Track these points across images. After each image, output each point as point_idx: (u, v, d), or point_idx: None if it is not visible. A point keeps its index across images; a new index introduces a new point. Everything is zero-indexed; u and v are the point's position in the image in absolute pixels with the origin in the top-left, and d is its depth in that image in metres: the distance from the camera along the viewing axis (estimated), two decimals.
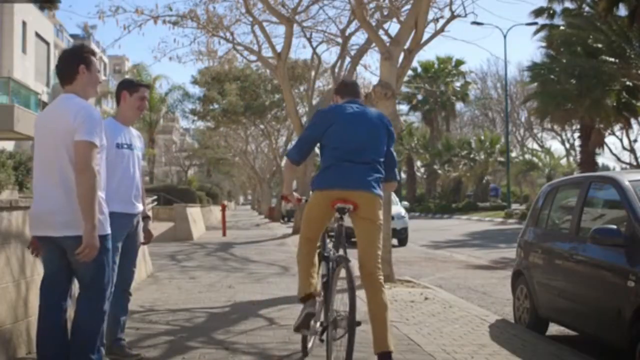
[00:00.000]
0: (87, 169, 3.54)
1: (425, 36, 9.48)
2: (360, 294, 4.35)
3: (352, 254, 4.29)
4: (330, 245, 4.65)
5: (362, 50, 16.67)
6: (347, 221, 4.44)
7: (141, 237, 4.75)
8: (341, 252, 4.41)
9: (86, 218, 3.52)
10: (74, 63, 3.77)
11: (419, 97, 46.98)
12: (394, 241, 13.95)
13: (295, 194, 4.85)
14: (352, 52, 17.14)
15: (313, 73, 21.24)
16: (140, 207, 4.60)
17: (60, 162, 3.62)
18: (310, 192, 4.53)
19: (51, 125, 3.69)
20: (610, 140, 49.00)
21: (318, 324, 4.44)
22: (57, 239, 3.63)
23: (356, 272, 4.26)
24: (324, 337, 4.40)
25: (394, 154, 4.67)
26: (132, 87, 4.60)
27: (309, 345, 4.83)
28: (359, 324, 4.11)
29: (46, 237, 3.68)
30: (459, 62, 50.92)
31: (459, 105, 53.93)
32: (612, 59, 24.83)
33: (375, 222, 4.30)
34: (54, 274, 3.75)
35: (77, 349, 3.66)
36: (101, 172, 3.72)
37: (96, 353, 3.67)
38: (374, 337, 4.22)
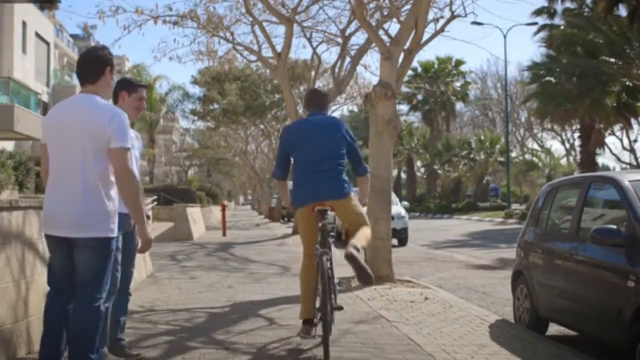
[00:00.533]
0: (128, 173, 3.65)
1: (425, 36, 9.48)
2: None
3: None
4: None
5: (362, 50, 16.63)
6: None
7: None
8: (336, 248, 4.80)
9: (137, 219, 3.74)
10: (102, 63, 3.82)
11: (419, 97, 46.93)
12: (394, 241, 13.95)
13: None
14: (352, 52, 17.09)
15: (313, 73, 21.20)
16: None
17: (85, 163, 3.63)
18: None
19: (77, 125, 3.66)
20: (610, 140, 48.99)
21: (318, 314, 4.82)
22: (72, 239, 3.65)
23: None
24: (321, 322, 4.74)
25: (358, 150, 5.32)
26: (131, 87, 4.58)
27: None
28: (340, 308, 4.85)
29: (61, 237, 3.68)
30: (459, 62, 50.93)
31: (459, 105, 53.98)
32: (612, 59, 24.83)
33: (354, 212, 5.07)
34: (64, 274, 3.75)
35: (75, 349, 3.64)
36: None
37: (95, 353, 3.66)
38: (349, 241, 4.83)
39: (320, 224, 4.94)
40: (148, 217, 4.68)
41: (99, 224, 3.62)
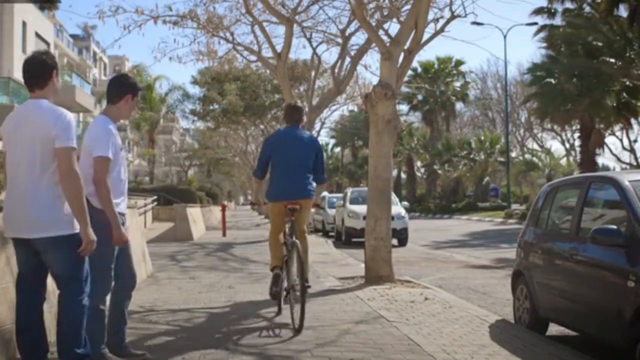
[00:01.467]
0: (72, 173, 3.67)
1: (425, 36, 9.46)
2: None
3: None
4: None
5: (362, 50, 16.62)
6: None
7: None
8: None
9: (80, 219, 3.70)
10: (48, 69, 3.86)
11: (419, 97, 46.93)
12: (394, 241, 13.95)
13: (261, 200, 7.01)
14: (352, 52, 17.09)
15: (313, 73, 21.21)
16: None
17: (37, 166, 3.70)
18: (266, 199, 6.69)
19: (29, 132, 3.73)
20: (610, 140, 49.10)
21: (284, 293, 6.15)
22: (31, 240, 3.72)
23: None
24: (288, 297, 5.99)
25: (323, 164, 6.75)
26: (136, 91, 4.63)
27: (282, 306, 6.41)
28: (309, 286, 5.90)
29: (21, 239, 3.76)
30: (459, 62, 50.90)
31: (459, 106, 53.92)
32: (612, 59, 24.83)
33: (307, 210, 6.59)
34: (29, 273, 3.85)
35: (62, 345, 3.74)
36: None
37: (82, 347, 3.75)
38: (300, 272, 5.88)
39: (288, 219, 6.23)
40: (123, 223, 4.49)
41: (57, 223, 3.69)
